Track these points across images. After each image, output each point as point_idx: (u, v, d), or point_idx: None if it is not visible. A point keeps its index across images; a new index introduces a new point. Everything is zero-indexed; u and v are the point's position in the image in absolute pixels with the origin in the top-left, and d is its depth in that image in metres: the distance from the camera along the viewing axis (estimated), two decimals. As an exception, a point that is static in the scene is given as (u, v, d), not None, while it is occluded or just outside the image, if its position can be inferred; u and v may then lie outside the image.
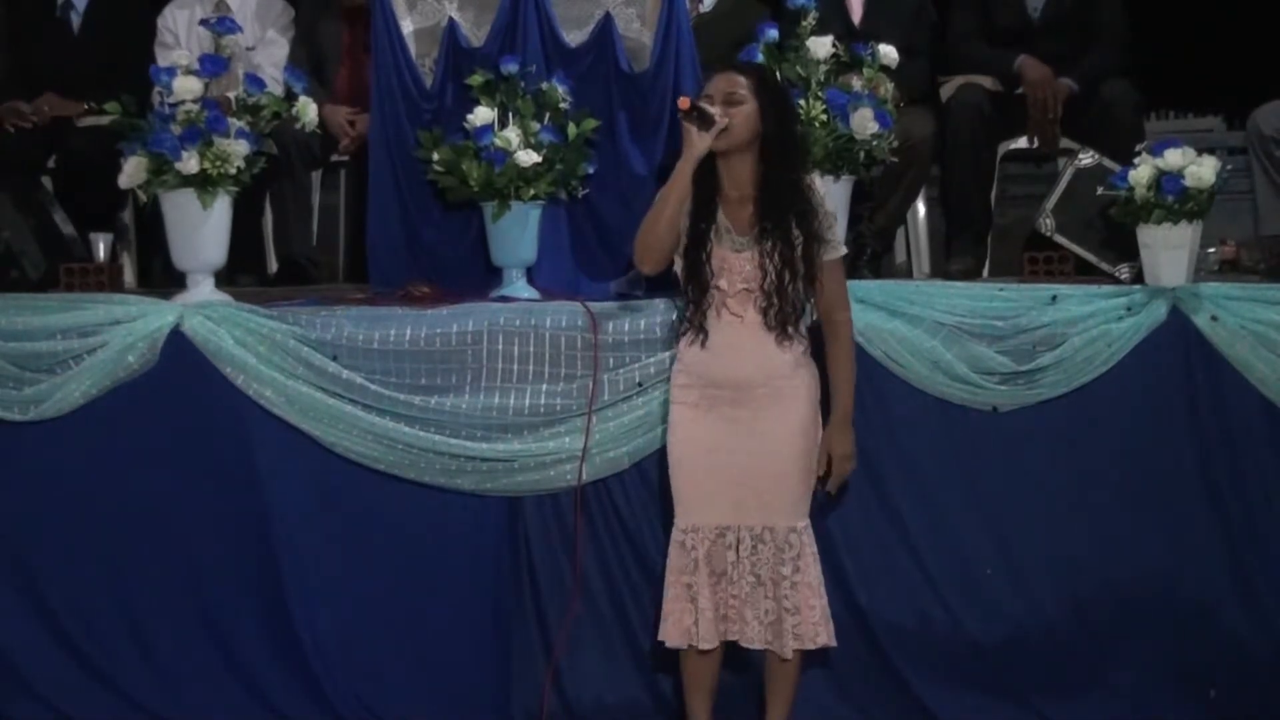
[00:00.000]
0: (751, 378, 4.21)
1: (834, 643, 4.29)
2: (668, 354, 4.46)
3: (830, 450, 4.27)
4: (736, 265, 4.21)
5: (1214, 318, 4.58)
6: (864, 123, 4.67)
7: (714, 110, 4.17)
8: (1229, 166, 4.81)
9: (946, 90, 5.69)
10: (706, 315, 4.23)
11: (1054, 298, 4.63)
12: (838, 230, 4.31)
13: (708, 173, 4.24)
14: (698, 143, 4.16)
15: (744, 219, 4.24)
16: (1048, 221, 5.13)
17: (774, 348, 4.20)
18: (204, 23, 5.05)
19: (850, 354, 4.32)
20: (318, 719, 4.62)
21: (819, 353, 4.31)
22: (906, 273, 6.01)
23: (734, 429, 4.22)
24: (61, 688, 4.66)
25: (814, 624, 4.23)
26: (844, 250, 4.31)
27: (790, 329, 4.21)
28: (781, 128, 4.24)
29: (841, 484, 4.34)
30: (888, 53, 4.83)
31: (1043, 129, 5.56)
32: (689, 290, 4.26)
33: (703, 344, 4.25)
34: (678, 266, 4.28)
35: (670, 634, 4.29)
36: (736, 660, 4.44)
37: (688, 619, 4.26)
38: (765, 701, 4.36)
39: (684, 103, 4.18)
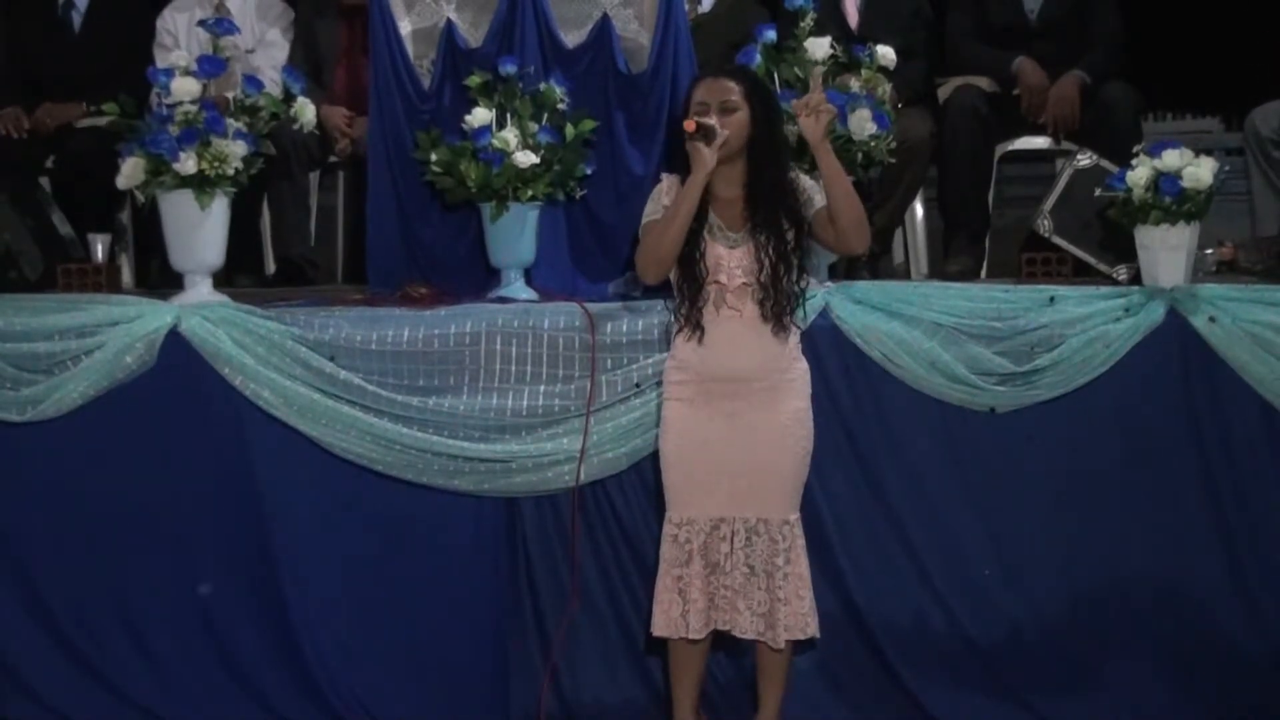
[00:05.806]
0: (749, 371, 4.25)
1: (818, 634, 4.34)
2: (666, 355, 4.45)
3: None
4: (733, 260, 4.25)
5: (1212, 319, 4.58)
6: (862, 123, 4.67)
7: (714, 123, 4.19)
8: (1227, 167, 4.81)
9: (944, 91, 5.70)
10: (702, 312, 4.27)
11: (1052, 299, 4.63)
12: (813, 188, 4.29)
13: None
14: (708, 159, 4.17)
15: (734, 216, 4.29)
16: (1045, 222, 5.13)
17: (770, 340, 4.26)
18: (202, 24, 5.04)
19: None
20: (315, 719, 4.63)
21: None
22: (905, 273, 6.00)
23: (730, 423, 4.25)
24: (59, 688, 4.66)
25: (802, 615, 4.29)
26: (822, 201, 4.26)
27: (786, 320, 4.26)
28: (770, 129, 4.30)
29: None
30: (885, 54, 4.83)
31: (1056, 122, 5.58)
32: (684, 288, 4.28)
33: (699, 340, 4.27)
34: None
35: (658, 624, 4.33)
36: (729, 651, 4.46)
37: (675, 610, 4.30)
38: (757, 691, 4.39)
39: (691, 125, 4.16)
